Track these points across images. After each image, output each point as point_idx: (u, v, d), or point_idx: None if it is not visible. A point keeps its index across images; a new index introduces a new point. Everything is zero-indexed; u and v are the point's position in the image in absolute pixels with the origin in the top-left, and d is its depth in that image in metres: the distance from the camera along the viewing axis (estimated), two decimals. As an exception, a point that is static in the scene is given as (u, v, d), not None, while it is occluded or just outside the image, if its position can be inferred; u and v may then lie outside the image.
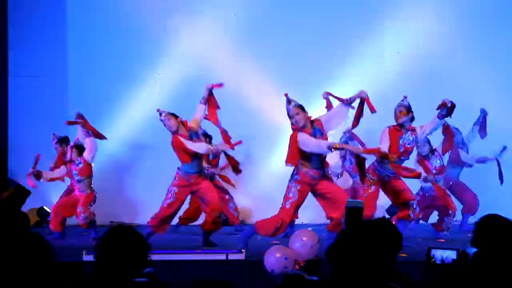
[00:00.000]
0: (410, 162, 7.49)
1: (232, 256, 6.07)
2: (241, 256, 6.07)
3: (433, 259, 2.78)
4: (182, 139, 7.09)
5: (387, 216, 9.20)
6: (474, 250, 2.72)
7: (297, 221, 8.50)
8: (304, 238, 5.49)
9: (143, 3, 10.07)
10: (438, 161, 8.24)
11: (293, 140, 6.62)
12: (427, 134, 7.26)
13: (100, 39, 10.13)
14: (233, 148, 7.44)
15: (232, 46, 9.95)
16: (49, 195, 9.61)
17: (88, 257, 5.72)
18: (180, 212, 8.09)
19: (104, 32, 10.11)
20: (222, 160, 8.73)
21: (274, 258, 4.72)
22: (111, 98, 10.03)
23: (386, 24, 9.73)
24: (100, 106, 9.98)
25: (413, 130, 7.03)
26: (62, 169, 8.25)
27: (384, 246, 2.82)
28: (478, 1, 9.71)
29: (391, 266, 2.82)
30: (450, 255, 2.75)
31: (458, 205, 8.40)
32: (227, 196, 8.74)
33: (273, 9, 9.98)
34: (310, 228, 6.85)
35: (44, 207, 9.68)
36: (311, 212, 8.75)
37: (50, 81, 10.20)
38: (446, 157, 8.55)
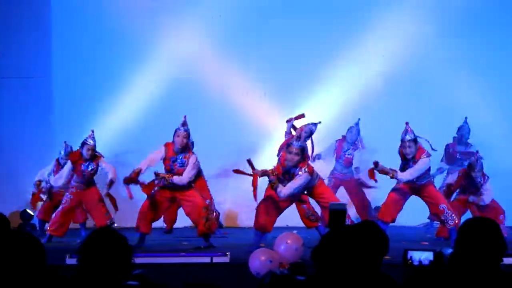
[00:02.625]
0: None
1: (217, 259, 6.08)
2: (226, 259, 6.07)
3: (410, 261, 2.80)
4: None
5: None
6: (450, 251, 2.76)
7: (281, 224, 8.53)
8: (288, 241, 5.51)
9: (128, 5, 10.05)
10: None
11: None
12: None
13: (85, 42, 10.09)
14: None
15: (218, 48, 9.95)
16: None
17: (71, 260, 5.70)
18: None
19: (89, 34, 10.08)
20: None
21: (259, 261, 4.73)
22: (97, 100, 9.99)
23: (371, 27, 9.76)
24: (86, 108, 9.95)
25: None
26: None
27: (370, 249, 2.84)
28: (460, 5, 9.76)
29: (377, 269, 2.83)
30: (427, 256, 2.78)
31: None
32: (207, 201, 8.74)
33: (259, 11, 10.00)
34: (295, 231, 6.87)
35: (27, 210, 9.63)
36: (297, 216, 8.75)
37: (35, 84, 10.15)
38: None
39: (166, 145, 7.34)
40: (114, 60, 10.03)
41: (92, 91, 10.03)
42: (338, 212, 3.95)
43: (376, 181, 7.56)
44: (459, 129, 9.01)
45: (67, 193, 7.92)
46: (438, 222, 8.30)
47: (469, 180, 7.65)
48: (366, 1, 9.87)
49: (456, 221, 7.23)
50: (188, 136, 7.31)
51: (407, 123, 7.31)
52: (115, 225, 8.10)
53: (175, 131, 7.29)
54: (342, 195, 8.78)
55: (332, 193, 7.40)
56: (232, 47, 9.94)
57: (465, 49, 9.64)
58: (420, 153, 7.23)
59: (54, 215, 7.93)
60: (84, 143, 7.87)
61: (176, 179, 7.15)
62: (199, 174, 8.07)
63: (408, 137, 7.23)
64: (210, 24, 9.97)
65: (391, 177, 7.18)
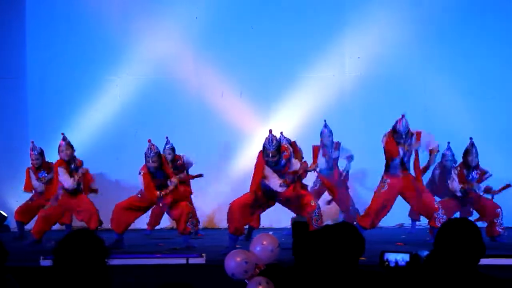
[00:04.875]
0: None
1: (192, 260, 6.07)
2: (201, 260, 6.06)
3: (387, 263, 2.83)
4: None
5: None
6: (426, 252, 2.79)
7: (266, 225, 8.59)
8: (264, 242, 5.49)
9: (104, 6, 9.99)
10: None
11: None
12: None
13: (60, 43, 10.02)
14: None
15: (193, 49, 9.93)
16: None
17: (45, 262, 5.65)
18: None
19: (65, 34, 10.00)
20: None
21: (234, 262, 4.71)
22: (72, 101, 9.93)
23: (347, 29, 9.80)
24: (61, 110, 9.89)
25: None
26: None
27: (347, 249, 2.87)
28: (436, 7, 9.83)
29: (355, 268, 2.86)
30: (403, 257, 2.81)
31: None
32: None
33: (235, 12, 9.99)
34: (271, 232, 6.88)
35: (0, 212, 9.54)
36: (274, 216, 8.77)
37: (9, 85, 10.06)
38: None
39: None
40: (90, 60, 9.96)
41: (68, 92, 9.95)
42: (301, 223, 4.11)
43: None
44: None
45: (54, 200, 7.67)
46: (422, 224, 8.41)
47: (466, 166, 7.64)
48: (343, 3, 9.90)
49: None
50: (159, 157, 7.34)
51: (403, 116, 7.24)
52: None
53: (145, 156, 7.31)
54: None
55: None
56: (208, 48, 9.92)
57: (443, 51, 9.71)
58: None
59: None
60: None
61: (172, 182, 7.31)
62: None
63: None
64: (186, 25, 9.94)
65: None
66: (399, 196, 7.35)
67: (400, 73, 9.76)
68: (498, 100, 9.66)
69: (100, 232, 3.26)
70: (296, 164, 6.91)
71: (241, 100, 9.92)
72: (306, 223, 4.05)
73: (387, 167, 7.28)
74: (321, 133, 8.74)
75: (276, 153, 6.78)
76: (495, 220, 7.52)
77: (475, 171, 7.69)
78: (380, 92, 9.75)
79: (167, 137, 8.47)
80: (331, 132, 8.73)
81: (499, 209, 7.55)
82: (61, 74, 10.01)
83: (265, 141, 6.83)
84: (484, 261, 2.79)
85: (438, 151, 7.52)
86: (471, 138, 7.67)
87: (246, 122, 9.76)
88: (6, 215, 9.49)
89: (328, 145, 8.72)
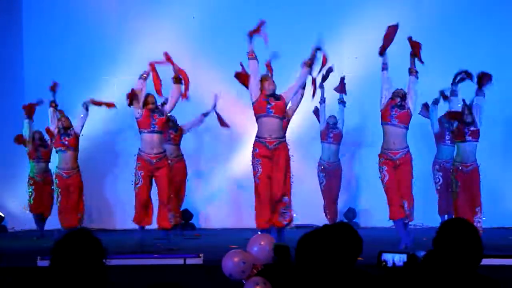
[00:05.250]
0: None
1: (190, 261, 6.06)
2: (199, 261, 6.05)
3: (384, 263, 2.83)
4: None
5: (345, 220, 9.31)
6: (423, 253, 2.79)
7: (254, 226, 8.54)
8: (262, 242, 5.49)
9: (100, 6, 9.99)
10: None
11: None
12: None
13: (58, 43, 10.03)
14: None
15: (191, 49, 9.93)
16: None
17: (42, 263, 5.64)
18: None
19: (61, 35, 10.01)
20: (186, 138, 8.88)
21: (232, 263, 4.71)
22: (70, 101, 9.91)
23: (345, 30, 9.81)
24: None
25: None
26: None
27: (344, 249, 2.87)
28: (434, 7, 9.85)
29: (351, 269, 2.87)
30: (401, 258, 2.81)
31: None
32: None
33: (233, 12, 10.00)
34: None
35: (-2, 212, 9.56)
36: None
37: (6, 86, 10.05)
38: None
39: None
40: (87, 61, 9.97)
41: (64, 92, 9.92)
42: (282, 247, 4.18)
43: None
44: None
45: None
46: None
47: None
48: (339, 3, 9.91)
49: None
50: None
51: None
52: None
53: None
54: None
55: None
56: (205, 47, 9.93)
57: (438, 51, 9.72)
58: None
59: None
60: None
61: None
62: None
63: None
64: (184, 24, 9.94)
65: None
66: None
67: (397, 73, 9.75)
68: (497, 100, 9.67)
69: (98, 232, 3.25)
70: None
71: (237, 99, 9.92)
72: (287, 246, 4.17)
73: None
74: (329, 118, 8.85)
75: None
76: (474, 218, 7.23)
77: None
78: (377, 93, 9.72)
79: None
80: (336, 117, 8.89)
81: (478, 207, 7.25)
82: (58, 74, 9.97)
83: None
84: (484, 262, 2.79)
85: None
86: (463, 100, 7.48)
87: (243, 121, 9.75)
88: (3, 215, 9.47)
89: (332, 124, 8.83)
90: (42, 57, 10.05)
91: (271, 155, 6.87)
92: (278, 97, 7.00)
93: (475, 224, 7.10)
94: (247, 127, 9.68)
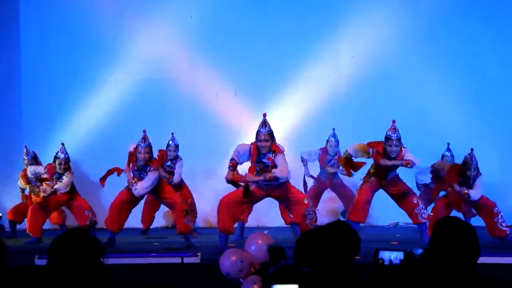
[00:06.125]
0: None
1: (187, 260, 6.06)
2: (196, 260, 6.05)
3: (381, 261, 2.84)
4: None
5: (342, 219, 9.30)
6: (420, 251, 2.80)
7: (252, 225, 8.56)
8: (259, 241, 5.49)
9: (97, 5, 9.97)
10: None
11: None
12: None
13: (54, 42, 10.00)
14: None
15: (188, 48, 9.92)
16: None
17: (40, 262, 5.64)
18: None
19: (58, 35, 9.98)
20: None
21: (229, 261, 4.71)
22: (67, 101, 9.91)
23: (341, 28, 9.81)
24: (55, 110, 9.87)
25: None
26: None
27: (342, 248, 2.88)
28: (431, 6, 9.85)
29: (349, 268, 2.87)
30: (398, 256, 2.82)
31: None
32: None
33: (230, 11, 9.99)
34: (265, 231, 6.88)
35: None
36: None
37: (3, 85, 10.02)
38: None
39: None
40: (84, 60, 9.95)
41: (62, 92, 9.93)
42: (277, 248, 4.20)
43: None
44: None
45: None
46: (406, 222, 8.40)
47: (463, 178, 7.30)
48: (336, 2, 9.91)
49: (428, 216, 7.25)
50: (150, 150, 7.24)
51: (393, 121, 7.27)
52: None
53: (137, 147, 7.21)
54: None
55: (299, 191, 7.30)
56: (203, 47, 9.92)
57: (437, 50, 9.72)
58: (401, 153, 7.20)
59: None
60: (56, 157, 7.80)
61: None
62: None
63: (395, 136, 7.17)
64: (181, 24, 9.94)
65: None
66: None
67: (395, 72, 9.77)
68: (495, 100, 9.68)
69: (96, 231, 3.26)
70: (280, 172, 6.63)
71: (235, 99, 9.92)
72: (281, 248, 4.19)
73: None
74: (327, 141, 8.72)
75: (269, 138, 6.65)
76: (495, 219, 7.29)
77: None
78: (374, 91, 9.76)
79: (172, 134, 8.53)
80: (338, 142, 8.69)
81: (496, 208, 7.32)
82: (55, 74, 9.99)
83: (259, 124, 6.69)
84: (485, 260, 2.80)
85: (413, 166, 7.25)
86: (472, 149, 7.33)
87: (240, 121, 9.76)
88: (0, 214, 9.46)
89: (332, 155, 8.68)
90: (39, 57, 10.02)
91: None
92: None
93: (498, 225, 7.26)
94: (244, 125, 9.69)
